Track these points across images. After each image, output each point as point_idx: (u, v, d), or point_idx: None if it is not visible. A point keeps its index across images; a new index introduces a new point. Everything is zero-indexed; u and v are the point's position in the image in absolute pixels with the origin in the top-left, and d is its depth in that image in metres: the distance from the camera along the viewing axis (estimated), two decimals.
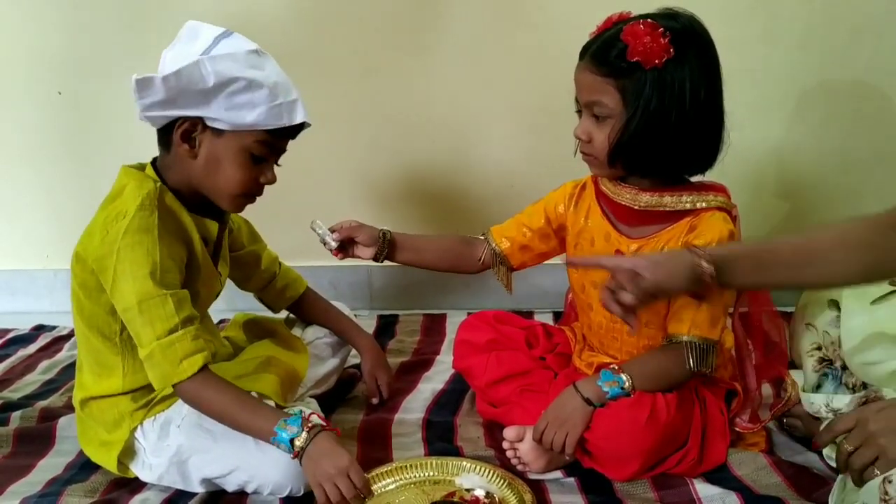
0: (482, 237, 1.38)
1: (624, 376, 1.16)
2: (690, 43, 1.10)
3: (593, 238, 1.26)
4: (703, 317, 1.16)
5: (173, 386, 1.09)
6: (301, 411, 1.11)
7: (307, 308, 1.48)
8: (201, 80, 1.05)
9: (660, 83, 1.09)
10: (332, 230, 1.30)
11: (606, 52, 1.12)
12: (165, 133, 1.14)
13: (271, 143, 1.15)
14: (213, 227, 1.22)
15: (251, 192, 1.18)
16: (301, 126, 1.17)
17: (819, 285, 1.13)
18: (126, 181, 1.16)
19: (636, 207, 1.20)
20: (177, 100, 1.07)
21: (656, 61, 1.08)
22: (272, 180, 1.18)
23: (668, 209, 1.19)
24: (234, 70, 1.06)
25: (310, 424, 1.08)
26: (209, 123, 1.11)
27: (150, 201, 1.12)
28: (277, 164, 1.20)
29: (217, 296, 1.29)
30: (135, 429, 1.19)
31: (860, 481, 0.87)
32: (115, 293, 1.10)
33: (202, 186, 1.17)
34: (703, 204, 1.18)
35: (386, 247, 1.32)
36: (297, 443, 1.07)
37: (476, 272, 1.39)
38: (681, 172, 1.20)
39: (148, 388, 1.16)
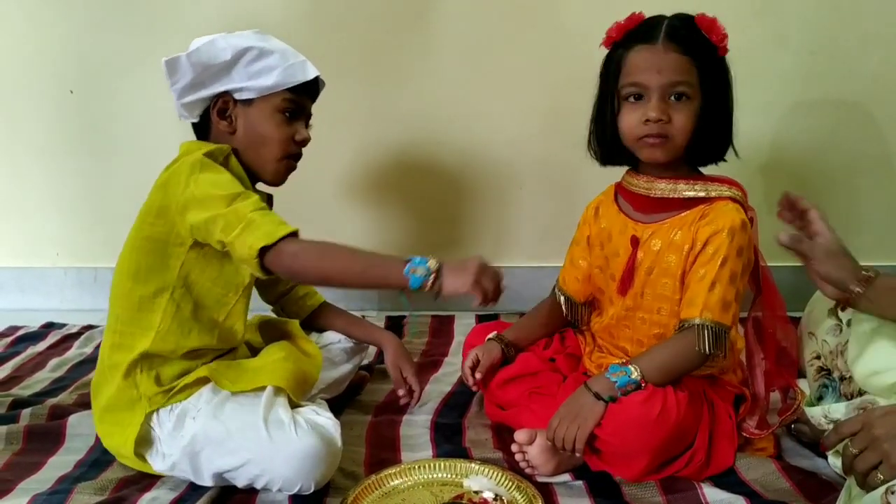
0: (555, 291, 1.42)
1: (631, 367, 1.17)
2: None
3: (610, 234, 1.31)
4: (714, 300, 1.17)
5: (268, 249, 1.08)
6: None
7: (327, 315, 1.50)
8: (221, 52, 1.20)
9: (724, 71, 1.19)
10: (473, 368, 1.34)
11: (688, 34, 1.16)
12: (203, 121, 1.27)
13: (296, 102, 1.26)
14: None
15: (291, 153, 1.28)
16: (317, 89, 1.31)
17: None
18: (190, 147, 1.24)
19: (652, 195, 1.23)
20: (203, 80, 1.22)
21: (728, 49, 1.16)
22: (307, 138, 1.29)
23: (681, 196, 1.22)
24: (245, 42, 1.21)
25: (431, 259, 1.08)
26: (237, 96, 1.24)
27: (219, 153, 1.21)
28: (307, 126, 1.30)
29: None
30: (149, 414, 1.19)
31: (864, 485, 0.87)
32: (192, 202, 1.14)
33: (245, 157, 1.26)
34: (716, 193, 1.21)
35: (510, 352, 1.38)
36: (432, 264, 1.07)
37: (568, 323, 1.44)
38: (709, 159, 1.24)
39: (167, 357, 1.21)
